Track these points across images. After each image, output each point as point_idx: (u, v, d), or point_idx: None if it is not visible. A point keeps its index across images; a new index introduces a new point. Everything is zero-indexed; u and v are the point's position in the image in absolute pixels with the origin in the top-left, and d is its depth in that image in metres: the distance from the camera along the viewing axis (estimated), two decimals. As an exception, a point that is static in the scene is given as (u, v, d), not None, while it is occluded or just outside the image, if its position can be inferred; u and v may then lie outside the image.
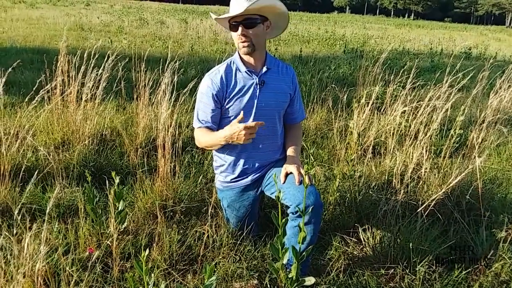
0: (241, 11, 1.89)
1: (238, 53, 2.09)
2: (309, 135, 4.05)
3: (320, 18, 41.86)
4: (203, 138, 2.06)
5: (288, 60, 8.82)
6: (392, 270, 2.15)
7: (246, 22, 1.94)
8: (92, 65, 3.34)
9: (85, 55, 3.41)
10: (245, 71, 2.05)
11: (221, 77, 2.03)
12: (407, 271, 2.13)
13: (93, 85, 3.36)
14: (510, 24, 79.13)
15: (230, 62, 2.09)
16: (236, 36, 1.98)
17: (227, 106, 2.04)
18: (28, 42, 9.28)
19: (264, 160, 2.17)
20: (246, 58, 2.06)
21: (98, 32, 12.54)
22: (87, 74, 3.34)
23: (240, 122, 2.05)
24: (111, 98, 3.93)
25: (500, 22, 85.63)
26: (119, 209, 2.11)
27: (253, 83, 2.06)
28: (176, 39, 11.77)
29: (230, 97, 2.03)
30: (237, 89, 2.04)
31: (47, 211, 1.62)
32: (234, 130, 1.86)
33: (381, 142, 3.59)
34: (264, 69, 2.08)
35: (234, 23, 1.96)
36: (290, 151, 2.15)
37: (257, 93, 2.06)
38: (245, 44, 1.97)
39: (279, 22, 2.12)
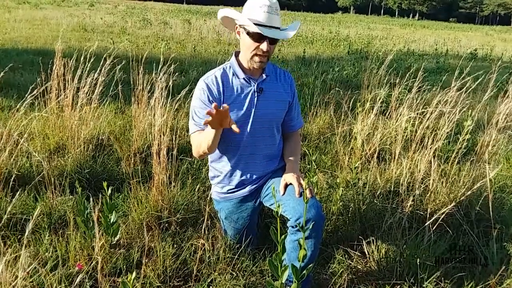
0: (286, 36, 1.84)
1: (236, 58, 1.97)
2: (311, 140, 3.95)
3: (324, 18, 41.74)
4: (198, 139, 1.89)
5: (291, 61, 8.73)
6: (398, 287, 2.04)
7: (272, 38, 1.82)
8: (88, 68, 3.25)
9: (82, 57, 3.32)
10: (244, 78, 1.94)
11: (217, 83, 1.92)
12: (414, 288, 2.02)
13: (89, 89, 3.27)
14: (515, 24, 78.54)
15: (226, 67, 1.97)
16: (253, 46, 1.82)
17: None
18: (30, 43, 9.24)
19: (262, 170, 2.06)
20: (248, 64, 1.93)
21: (101, 33, 12.50)
22: (83, 78, 3.25)
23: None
24: (108, 102, 3.84)
25: (506, 22, 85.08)
26: (111, 221, 2.02)
27: (251, 90, 1.95)
28: (179, 40, 11.71)
29: (228, 104, 1.92)
30: (234, 96, 1.93)
31: (26, 233, 1.52)
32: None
33: (386, 148, 3.48)
34: (263, 76, 1.97)
35: (257, 33, 1.78)
36: (289, 160, 2.05)
37: (255, 101, 1.95)
38: (264, 59, 1.85)
39: None
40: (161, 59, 3.06)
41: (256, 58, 1.85)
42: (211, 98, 1.90)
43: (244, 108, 1.94)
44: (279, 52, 9.52)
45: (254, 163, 2.03)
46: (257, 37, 1.80)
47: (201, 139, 1.87)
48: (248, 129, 1.96)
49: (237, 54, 1.99)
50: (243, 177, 2.05)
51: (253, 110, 1.95)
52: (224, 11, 1.90)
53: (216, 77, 1.93)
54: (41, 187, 2.50)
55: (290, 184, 1.90)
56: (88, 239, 2.06)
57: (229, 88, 1.93)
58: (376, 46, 13.66)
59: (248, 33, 1.82)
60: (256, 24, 1.76)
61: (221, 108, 1.61)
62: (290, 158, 2.06)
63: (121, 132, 3.61)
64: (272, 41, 1.83)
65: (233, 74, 1.95)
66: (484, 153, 3.06)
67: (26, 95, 2.70)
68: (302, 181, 1.86)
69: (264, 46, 1.79)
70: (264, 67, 1.91)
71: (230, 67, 1.97)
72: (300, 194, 1.82)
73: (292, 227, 1.82)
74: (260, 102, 1.96)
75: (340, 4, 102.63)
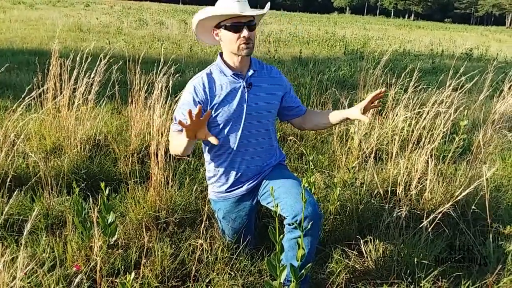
0: (262, 12, 1.84)
1: (222, 58, 1.98)
2: (308, 140, 3.95)
3: (320, 18, 41.79)
4: (175, 141, 1.86)
5: (288, 61, 8.73)
6: (396, 286, 2.04)
7: (250, 24, 1.85)
8: (85, 68, 3.24)
9: (78, 58, 3.31)
10: (231, 75, 1.94)
11: (203, 84, 1.92)
12: (412, 287, 2.02)
13: (85, 90, 3.26)
14: (510, 24, 79.04)
15: (213, 68, 1.99)
16: (235, 38, 1.85)
17: (214, 114, 1.93)
18: (25, 43, 9.19)
19: (259, 165, 2.06)
20: (233, 61, 1.95)
21: (97, 33, 12.46)
22: (79, 78, 3.24)
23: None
24: (105, 102, 3.82)
25: (500, 22, 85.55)
26: (109, 222, 2.01)
27: (240, 86, 1.95)
28: (175, 40, 11.69)
29: (217, 103, 1.92)
30: (223, 95, 1.93)
31: (25, 234, 1.51)
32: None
33: (383, 148, 3.49)
34: (251, 71, 1.98)
35: (234, 25, 1.84)
36: (332, 113, 2.08)
37: (246, 97, 1.95)
38: (250, 45, 1.87)
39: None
40: (162, 60, 3.05)
41: (242, 46, 1.86)
42: (197, 99, 1.90)
43: (235, 104, 1.94)
44: (276, 53, 9.52)
45: (250, 159, 2.03)
46: (233, 28, 1.84)
47: (177, 142, 1.85)
48: (242, 125, 1.96)
49: (221, 54, 2.00)
50: (240, 175, 2.04)
51: (245, 105, 1.95)
52: (197, 17, 1.91)
53: (202, 78, 1.94)
54: (37, 187, 2.49)
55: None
56: (86, 240, 2.05)
57: (216, 88, 1.93)
58: (372, 46, 13.69)
59: (226, 27, 1.86)
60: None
61: (201, 116, 1.60)
62: (330, 112, 2.10)
63: (118, 133, 3.60)
64: (251, 28, 1.86)
65: (220, 73, 1.96)
66: (480, 152, 3.07)
67: (22, 96, 2.68)
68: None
69: (245, 33, 1.83)
70: (250, 54, 1.91)
71: (217, 67, 1.98)
72: (297, 192, 1.83)
73: (289, 225, 1.82)
74: (251, 97, 1.96)
75: (336, 4, 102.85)
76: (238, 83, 1.95)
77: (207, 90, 1.91)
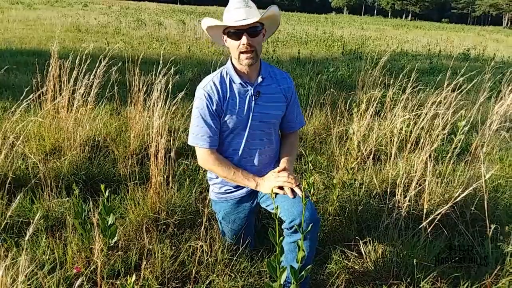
0: (253, 20, 1.77)
1: (232, 63, 1.97)
2: (307, 140, 3.96)
3: (318, 18, 41.79)
4: (221, 170, 1.96)
5: (286, 61, 8.74)
6: (395, 287, 2.05)
7: (250, 30, 1.81)
8: (84, 70, 3.24)
9: (78, 59, 3.31)
10: (240, 83, 1.94)
11: (217, 90, 1.91)
12: None
13: (84, 91, 3.26)
14: (507, 24, 79.28)
15: (223, 72, 1.97)
16: (236, 45, 1.84)
17: (223, 120, 1.94)
18: (24, 44, 9.16)
19: (259, 172, 2.07)
20: (241, 67, 1.93)
21: (95, 33, 12.44)
22: (78, 79, 3.24)
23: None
24: (104, 103, 3.82)
25: (497, 22, 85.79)
26: (109, 224, 2.01)
27: (248, 94, 1.95)
28: (174, 41, 11.68)
29: (227, 110, 1.93)
30: (232, 101, 1.93)
31: (27, 237, 1.51)
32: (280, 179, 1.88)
33: (382, 149, 3.50)
34: (260, 79, 1.96)
35: (234, 31, 1.83)
36: (283, 162, 2.03)
37: (253, 105, 1.95)
38: (250, 55, 1.84)
39: (272, 28, 2.02)
40: (161, 61, 3.05)
41: (243, 56, 1.85)
42: (214, 107, 1.91)
43: (242, 113, 1.95)
44: (274, 53, 9.53)
45: (251, 164, 2.04)
46: (234, 36, 1.83)
47: (225, 172, 1.95)
48: (246, 132, 1.98)
49: (231, 58, 2.00)
50: (241, 178, 2.05)
51: (250, 113, 1.95)
52: (205, 22, 1.92)
53: (214, 84, 1.93)
54: (37, 189, 2.49)
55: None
56: (86, 242, 2.05)
57: (228, 93, 1.93)
58: (370, 46, 13.72)
59: (228, 34, 1.86)
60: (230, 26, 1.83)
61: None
62: (285, 160, 2.05)
63: (117, 134, 3.60)
64: (253, 34, 1.82)
65: (230, 79, 1.95)
66: (478, 153, 3.09)
67: (21, 98, 2.68)
68: (295, 187, 1.87)
69: (244, 40, 1.81)
70: (253, 63, 1.88)
71: (227, 72, 1.97)
72: (295, 196, 1.83)
73: (287, 229, 1.83)
74: (257, 106, 1.96)
75: (333, 4, 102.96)
76: (246, 90, 1.95)
77: (221, 95, 1.92)
